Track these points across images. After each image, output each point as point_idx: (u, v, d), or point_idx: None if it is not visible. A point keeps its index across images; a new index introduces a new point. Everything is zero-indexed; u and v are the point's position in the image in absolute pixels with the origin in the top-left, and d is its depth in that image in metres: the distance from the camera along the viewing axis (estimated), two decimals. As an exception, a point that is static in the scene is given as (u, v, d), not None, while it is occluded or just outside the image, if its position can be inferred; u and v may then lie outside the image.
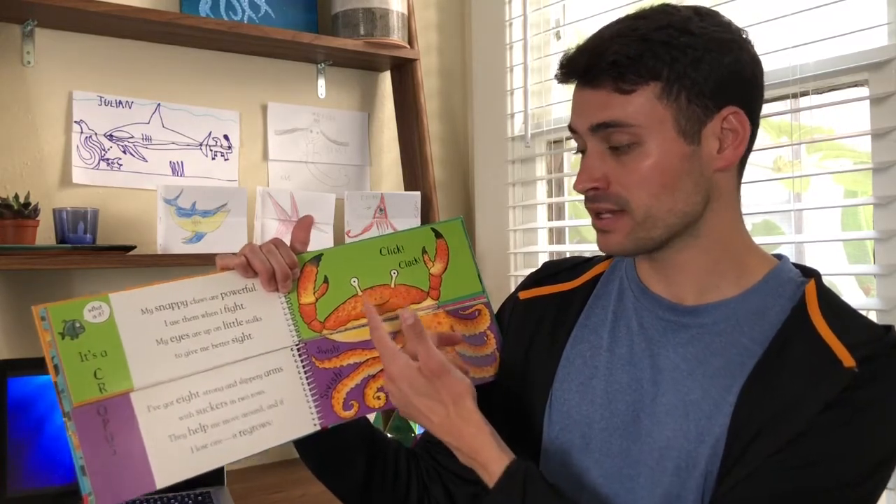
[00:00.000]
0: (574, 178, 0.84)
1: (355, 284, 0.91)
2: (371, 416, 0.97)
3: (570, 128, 0.85)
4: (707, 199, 0.82)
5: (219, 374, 0.83)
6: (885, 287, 1.29)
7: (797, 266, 0.87)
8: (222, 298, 0.86)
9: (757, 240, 0.88)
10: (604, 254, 0.88)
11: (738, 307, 0.83)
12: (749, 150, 0.84)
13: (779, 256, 0.87)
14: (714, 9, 0.83)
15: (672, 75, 0.77)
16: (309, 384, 0.86)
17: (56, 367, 0.78)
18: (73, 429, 0.77)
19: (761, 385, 0.77)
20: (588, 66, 0.80)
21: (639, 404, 0.83)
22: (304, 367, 0.87)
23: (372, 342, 0.87)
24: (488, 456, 0.78)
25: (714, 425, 0.78)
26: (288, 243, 0.90)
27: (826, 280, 0.85)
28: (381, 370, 0.88)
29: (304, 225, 0.92)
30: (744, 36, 0.81)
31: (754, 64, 0.81)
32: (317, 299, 0.89)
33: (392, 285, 0.92)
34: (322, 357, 0.88)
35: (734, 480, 0.74)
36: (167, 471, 0.79)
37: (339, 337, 0.89)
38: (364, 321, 0.90)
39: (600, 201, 0.82)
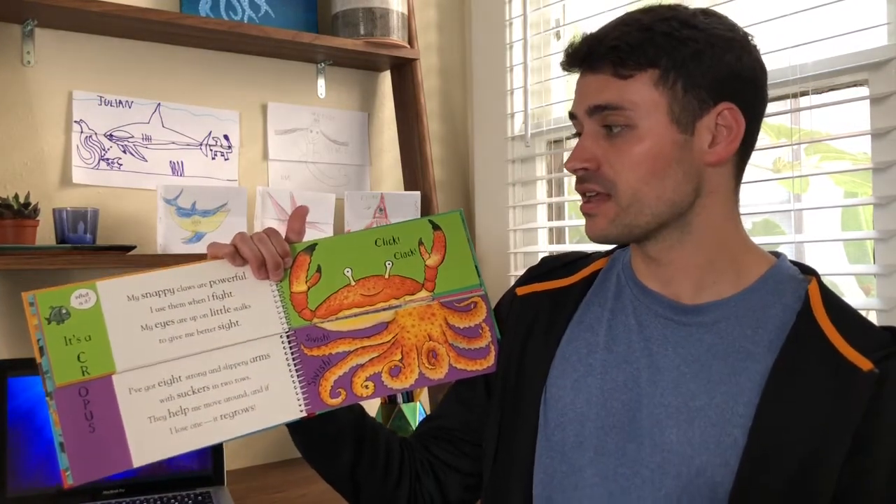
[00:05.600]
0: (572, 179, 0.84)
1: (348, 274, 0.92)
2: (372, 413, 0.97)
3: (571, 114, 0.87)
4: (698, 193, 0.82)
5: (203, 360, 0.85)
6: (885, 287, 1.29)
7: (795, 264, 0.87)
8: (210, 286, 0.87)
9: (757, 240, 0.88)
10: (600, 247, 0.88)
11: (737, 306, 0.82)
12: (748, 151, 0.84)
13: (776, 254, 0.87)
14: (715, 8, 0.84)
15: (670, 64, 0.79)
16: (297, 371, 0.88)
17: (41, 350, 0.82)
18: (54, 408, 0.81)
19: (780, 398, 0.76)
20: (589, 51, 0.82)
21: (636, 403, 0.83)
22: (292, 354, 0.88)
23: (363, 331, 0.90)
24: None
25: (721, 434, 0.77)
26: (283, 234, 0.90)
27: (826, 280, 0.85)
28: (371, 359, 0.90)
29: (299, 215, 0.92)
30: (749, 39, 0.82)
31: (756, 66, 0.82)
32: (308, 288, 0.90)
33: (386, 276, 0.93)
34: (311, 345, 0.89)
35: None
36: (145, 450, 0.82)
37: (330, 326, 0.90)
38: (356, 311, 0.91)
39: (589, 182, 0.84)
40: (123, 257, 1.50)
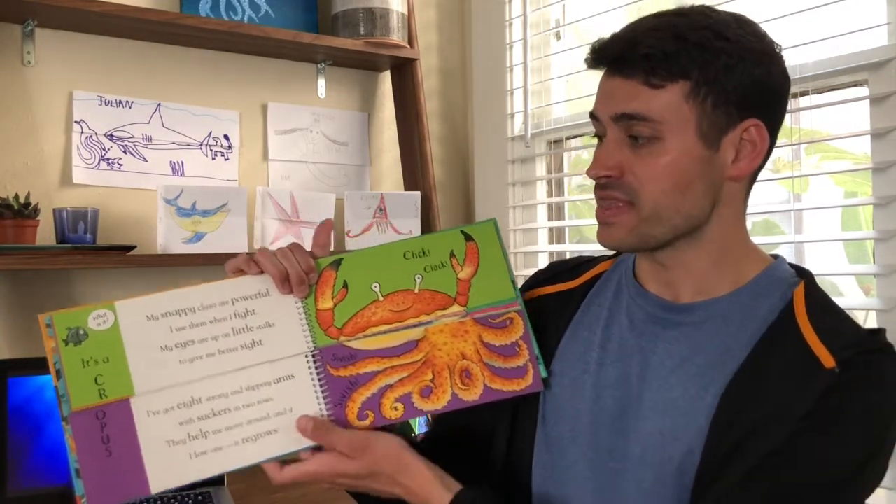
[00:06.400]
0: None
1: (376, 290, 0.87)
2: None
3: (592, 114, 0.85)
4: (714, 205, 0.82)
5: (224, 381, 0.82)
6: (885, 287, 1.28)
7: (793, 266, 0.87)
8: (233, 304, 0.84)
9: (757, 240, 0.88)
10: (607, 250, 0.88)
11: (727, 306, 0.83)
12: (765, 162, 0.84)
13: (775, 257, 0.88)
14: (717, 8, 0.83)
15: (702, 77, 0.77)
16: (322, 392, 0.83)
17: (58, 373, 0.78)
18: (70, 433, 0.77)
19: (744, 388, 0.77)
20: (621, 54, 0.80)
21: (626, 400, 0.84)
22: (318, 374, 0.84)
23: (392, 350, 0.85)
24: (438, 499, 0.80)
25: (689, 423, 0.78)
26: (308, 248, 0.89)
27: (826, 280, 0.85)
28: (400, 379, 0.85)
29: (325, 229, 0.89)
30: (777, 50, 0.81)
31: (784, 79, 0.82)
32: (335, 305, 0.86)
33: (416, 290, 0.88)
34: (337, 365, 0.84)
35: (724, 486, 0.74)
36: (163, 476, 0.79)
37: (357, 344, 0.85)
38: (384, 328, 0.86)
39: (611, 189, 0.82)
40: (123, 257, 1.50)
